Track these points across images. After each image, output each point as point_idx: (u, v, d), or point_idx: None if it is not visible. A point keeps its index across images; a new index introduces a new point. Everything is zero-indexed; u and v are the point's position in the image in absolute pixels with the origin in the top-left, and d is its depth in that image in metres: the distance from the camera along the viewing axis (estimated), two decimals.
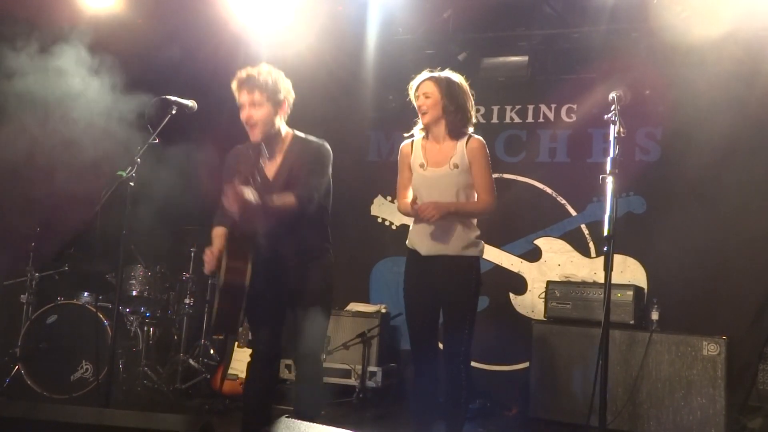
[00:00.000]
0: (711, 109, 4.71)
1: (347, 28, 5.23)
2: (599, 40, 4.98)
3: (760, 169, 4.61)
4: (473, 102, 3.49)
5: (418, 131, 3.52)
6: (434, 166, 3.38)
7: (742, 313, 4.43)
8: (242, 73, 3.22)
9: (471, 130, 3.44)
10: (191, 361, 5.28)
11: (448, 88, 3.37)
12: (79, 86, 4.56)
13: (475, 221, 3.41)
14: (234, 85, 3.23)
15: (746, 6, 4.14)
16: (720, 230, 4.60)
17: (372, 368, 5.08)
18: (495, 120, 5.74)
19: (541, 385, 4.59)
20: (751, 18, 4.15)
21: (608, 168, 3.00)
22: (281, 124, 3.30)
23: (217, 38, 5.24)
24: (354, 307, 5.48)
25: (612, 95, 3.18)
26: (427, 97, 3.36)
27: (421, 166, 3.41)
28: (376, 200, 5.92)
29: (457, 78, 3.46)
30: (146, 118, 3.79)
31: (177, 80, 4.85)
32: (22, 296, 5.01)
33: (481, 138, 3.42)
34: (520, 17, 5.13)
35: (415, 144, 3.50)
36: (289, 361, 4.97)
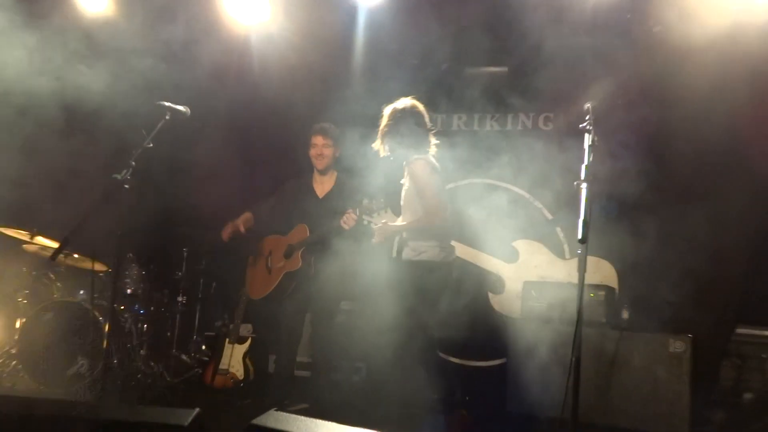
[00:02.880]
0: (682, 120, 4.76)
1: (337, 36, 5.24)
2: (576, 54, 5.01)
3: (728, 178, 4.65)
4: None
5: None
6: None
7: (706, 314, 4.47)
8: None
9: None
10: (183, 357, 5.26)
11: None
12: None
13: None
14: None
15: (719, 17, 4.18)
16: (688, 235, 4.64)
17: (358, 364, 5.10)
18: (476, 127, 5.77)
19: (517, 380, 4.61)
20: (723, 29, 4.20)
21: (582, 175, 3.02)
22: None
23: (211, 42, 5.24)
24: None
25: (587, 105, 3.21)
26: None
27: None
28: (362, 202, 5.90)
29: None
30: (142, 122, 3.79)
31: (170, 84, 4.83)
32: (18, 294, 4.97)
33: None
34: (501, 30, 5.16)
35: None
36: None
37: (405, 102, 3.94)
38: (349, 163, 4.54)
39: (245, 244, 4.94)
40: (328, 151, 4.58)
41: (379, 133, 3.93)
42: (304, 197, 4.63)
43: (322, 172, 4.63)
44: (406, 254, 3.84)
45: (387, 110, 3.94)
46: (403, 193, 3.92)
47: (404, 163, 3.89)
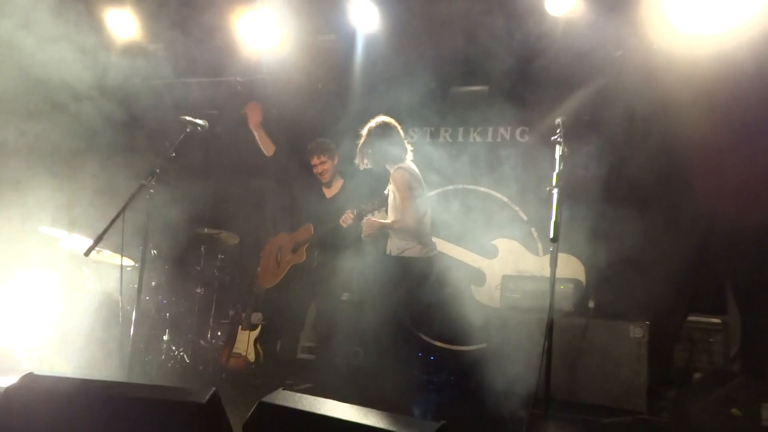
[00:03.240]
0: (642, 134, 4.78)
1: (338, 58, 5.24)
2: (548, 74, 5.03)
3: (679, 186, 4.67)
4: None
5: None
6: None
7: (661, 303, 4.48)
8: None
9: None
10: (201, 342, 5.24)
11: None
12: None
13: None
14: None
15: (674, 43, 4.20)
16: (646, 235, 4.65)
17: (356, 348, 5.07)
18: (461, 139, 5.77)
19: (496, 362, 4.61)
20: (678, 52, 4.21)
21: (554, 181, 3.03)
22: None
23: (229, 64, 5.23)
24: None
25: (557, 120, 3.22)
26: None
27: None
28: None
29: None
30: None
31: (192, 101, 4.83)
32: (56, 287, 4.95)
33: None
34: (483, 53, 5.16)
35: None
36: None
37: (377, 120, 3.98)
38: (350, 170, 4.54)
39: (258, 244, 4.93)
40: (326, 166, 4.60)
41: (358, 149, 3.96)
42: (313, 199, 4.63)
43: (328, 184, 4.63)
44: (393, 251, 3.88)
45: (364, 129, 3.96)
46: (389, 198, 3.95)
47: (390, 170, 3.92)
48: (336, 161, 4.65)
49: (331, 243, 4.34)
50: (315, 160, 4.59)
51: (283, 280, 4.60)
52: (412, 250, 3.86)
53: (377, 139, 3.89)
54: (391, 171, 3.89)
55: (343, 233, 4.24)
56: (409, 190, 3.78)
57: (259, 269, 4.96)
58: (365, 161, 3.99)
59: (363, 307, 5.07)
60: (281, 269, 4.62)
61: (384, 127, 3.94)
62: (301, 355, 4.86)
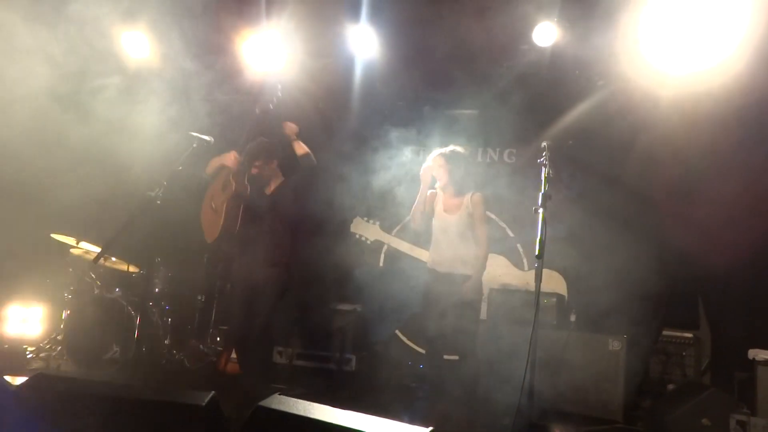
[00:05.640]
0: (621, 156, 4.84)
1: (335, 80, 5.28)
2: (534, 100, 5.09)
3: (653, 211, 4.72)
4: None
5: None
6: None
7: (638, 318, 4.50)
8: None
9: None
10: (201, 347, 5.21)
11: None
12: None
13: None
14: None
15: (650, 76, 4.27)
16: (624, 252, 4.68)
17: (348, 355, 5.06)
18: None
19: (483, 371, 4.60)
20: (653, 83, 4.28)
21: (539, 201, 3.04)
22: None
23: (235, 86, 5.26)
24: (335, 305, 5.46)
25: (543, 144, 3.25)
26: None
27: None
28: (355, 220, 5.92)
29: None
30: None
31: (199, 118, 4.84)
32: (65, 290, 4.93)
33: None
34: (473, 78, 5.22)
35: None
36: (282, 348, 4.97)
37: (458, 146, 4.05)
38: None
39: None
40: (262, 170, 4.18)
41: (441, 166, 3.96)
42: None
43: (266, 185, 4.24)
44: (442, 268, 3.90)
45: (447, 150, 4.00)
46: (452, 219, 3.91)
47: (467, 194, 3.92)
48: (274, 164, 4.18)
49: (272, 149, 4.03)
50: (253, 162, 4.13)
51: (225, 224, 4.00)
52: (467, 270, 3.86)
53: (466, 164, 3.98)
54: (470, 195, 3.90)
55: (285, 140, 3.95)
56: (485, 214, 3.92)
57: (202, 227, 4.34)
58: (444, 179, 3.94)
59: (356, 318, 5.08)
60: (218, 213, 4.07)
61: (468, 155, 4.07)
62: (296, 362, 4.81)
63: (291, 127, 4.17)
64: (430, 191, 4.01)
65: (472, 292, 3.80)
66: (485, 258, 3.89)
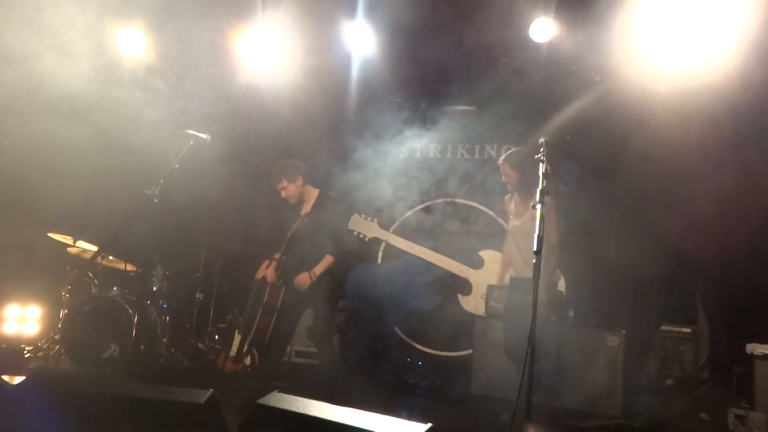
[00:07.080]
0: (618, 152, 4.84)
1: (333, 77, 5.27)
2: (532, 96, 5.09)
3: (652, 208, 4.72)
4: None
5: None
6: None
7: (637, 314, 4.51)
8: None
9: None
10: (200, 345, 5.21)
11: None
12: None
13: None
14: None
15: (645, 73, 4.26)
16: (623, 248, 4.68)
17: (347, 352, 5.05)
18: (449, 156, 5.81)
19: (481, 367, 4.62)
20: (648, 79, 4.28)
21: (537, 197, 3.03)
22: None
23: (233, 84, 5.23)
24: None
25: (541, 139, 3.23)
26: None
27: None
28: (353, 217, 5.90)
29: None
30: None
31: (196, 116, 4.82)
32: (62, 289, 4.91)
33: None
34: (470, 74, 5.22)
35: None
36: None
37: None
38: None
39: (255, 251, 4.89)
40: (289, 191, 4.19)
41: (522, 161, 3.84)
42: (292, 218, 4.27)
43: (298, 205, 4.28)
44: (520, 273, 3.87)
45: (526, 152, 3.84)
46: (519, 223, 3.89)
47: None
48: (300, 180, 4.18)
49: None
50: (278, 186, 4.20)
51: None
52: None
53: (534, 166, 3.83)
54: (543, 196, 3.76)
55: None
56: (552, 215, 3.76)
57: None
58: (513, 184, 3.87)
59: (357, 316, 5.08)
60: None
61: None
62: (294, 359, 4.81)
63: (301, 281, 4.12)
64: (506, 195, 4.06)
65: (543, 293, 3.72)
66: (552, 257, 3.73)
